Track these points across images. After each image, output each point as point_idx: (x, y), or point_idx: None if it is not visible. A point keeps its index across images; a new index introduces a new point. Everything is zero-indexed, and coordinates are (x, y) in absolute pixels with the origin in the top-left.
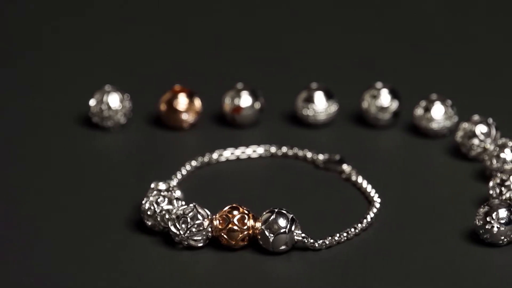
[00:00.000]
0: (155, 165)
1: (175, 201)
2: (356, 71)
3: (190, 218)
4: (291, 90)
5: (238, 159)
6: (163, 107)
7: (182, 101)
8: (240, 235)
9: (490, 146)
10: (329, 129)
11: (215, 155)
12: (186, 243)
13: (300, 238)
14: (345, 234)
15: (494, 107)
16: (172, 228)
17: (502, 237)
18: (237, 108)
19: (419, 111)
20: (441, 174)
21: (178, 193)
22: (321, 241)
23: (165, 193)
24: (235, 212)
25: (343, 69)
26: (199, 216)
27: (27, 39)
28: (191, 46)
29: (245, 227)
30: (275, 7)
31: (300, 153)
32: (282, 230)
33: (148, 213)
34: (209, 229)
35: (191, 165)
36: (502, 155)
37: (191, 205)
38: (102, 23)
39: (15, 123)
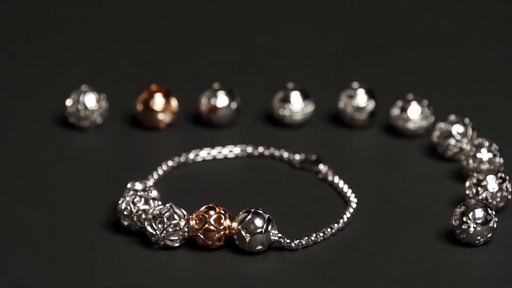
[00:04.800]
0: (132, 165)
1: (151, 201)
2: (333, 71)
3: (167, 218)
4: (268, 90)
5: (214, 159)
6: (139, 107)
7: (158, 101)
8: (217, 235)
9: (466, 146)
10: (305, 129)
11: (191, 155)
12: (162, 243)
13: (277, 238)
14: (321, 234)
15: (470, 107)
16: (149, 228)
17: (479, 237)
18: (214, 108)
19: (395, 111)
20: (418, 174)
21: (154, 193)
22: (297, 241)
23: (142, 193)
24: (212, 212)
25: (320, 69)
26: (176, 216)
27: (3, 39)
28: (168, 46)
29: (222, 227)
30: (252, 7)
31: (277, 153)
32: (259, 230)
33: (125, 213)
34: (186, 229)
35: (167, 165)
36: (478, 155)
37: (167, 205)
38: (79, 23)
39: None
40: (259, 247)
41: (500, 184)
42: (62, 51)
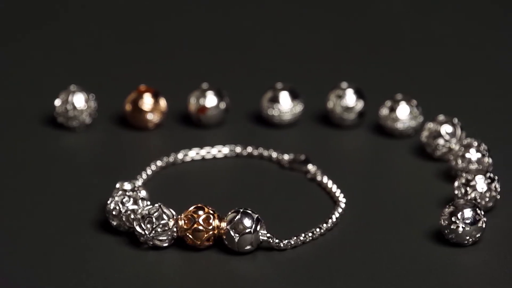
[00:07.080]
0: (120, 165)
1: (140, 201)
2: (322, 71)
3: (155, 218)
4: (257, 90)
5: (203, 159)
6: (128, 107)
7: (147, 101)
8: (205, 235)
9: (455, 146)
10: (294, 129)
11: (180, 155)
12: (151, 243)
13: (266, 238)
14: (310, 234)
15: (459, 107)
16: (137, 228)
17: (467, 237)
18: (203, 108)
19: (384, 111)
20: (407, 174)
21: (143, 193)
22: (286, 241)
23: (130, 193)
24: (200, 212)
25: (309, 69)
26: (164, 216)
27: None
28: (157, 46)
29: (210, 227)
30: (241, 7)
31: (265, 153)
32: (247, 230)
33: (113, 213)
34: (174, 229)
35: (156, 165)
36: (467, 155)
37: (156, 205)
38: (68, 23)
39: None
40: (248, 247)
41: (489, 184)
42: (51, 51)
